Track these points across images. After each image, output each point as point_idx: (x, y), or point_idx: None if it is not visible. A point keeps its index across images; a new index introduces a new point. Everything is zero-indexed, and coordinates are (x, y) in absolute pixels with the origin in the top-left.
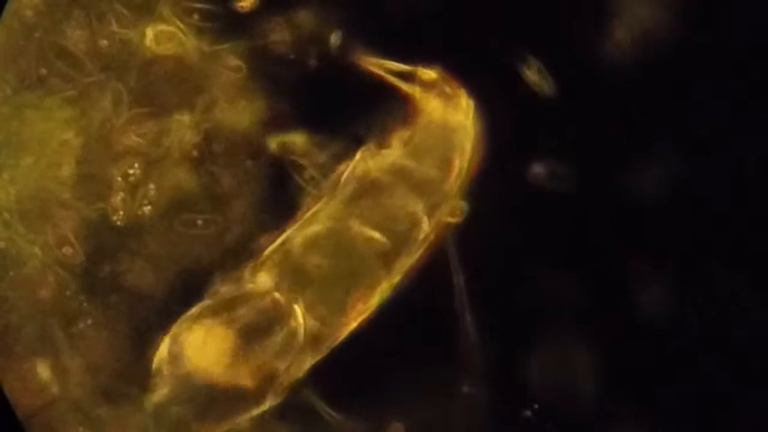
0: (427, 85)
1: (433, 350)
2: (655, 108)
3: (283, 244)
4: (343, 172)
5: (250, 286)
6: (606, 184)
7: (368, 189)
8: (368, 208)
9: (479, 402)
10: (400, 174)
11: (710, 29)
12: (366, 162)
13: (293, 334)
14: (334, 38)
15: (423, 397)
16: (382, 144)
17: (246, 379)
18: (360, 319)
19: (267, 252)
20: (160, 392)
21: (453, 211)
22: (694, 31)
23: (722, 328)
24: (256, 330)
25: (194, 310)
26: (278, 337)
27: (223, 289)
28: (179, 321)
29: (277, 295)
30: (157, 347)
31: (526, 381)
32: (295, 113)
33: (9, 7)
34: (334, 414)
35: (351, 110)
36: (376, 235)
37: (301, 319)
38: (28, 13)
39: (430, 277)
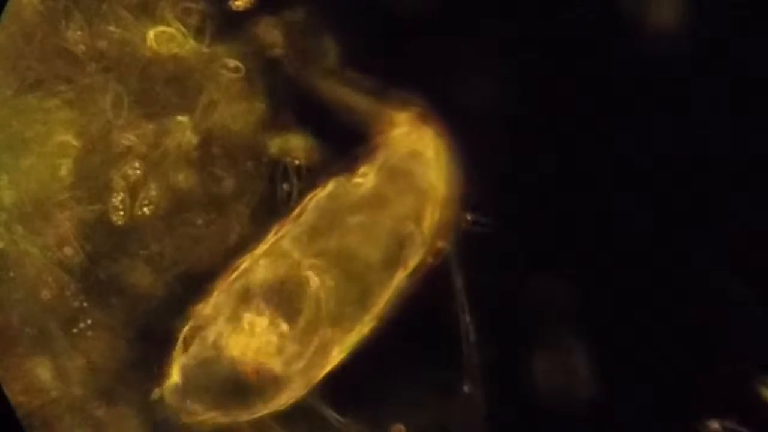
0: (398, 121)
1: (434, 351)
2: None
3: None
4: (313, 198)
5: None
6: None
7: (345, 217)
8: (348, 235)
9: (480, 402)
10: (374, 204)
11: None
12: (339, 191)
13: (316, 300)
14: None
15: (424, 398)
16: (353, 173)
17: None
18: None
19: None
20: (180, 380)
21: (433, 251)
22: None
23: (720, 323)
24: (287, 307)
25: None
26: (305, 311)
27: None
28: (205, 326)
29: (295, 257)
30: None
31: (527, 381)
32: (295, 114)
33: (8, 9)
34: (336, 416)
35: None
36: (368, 257)
37: (318, 281)
38: (28, 14)
39: (430, 278)
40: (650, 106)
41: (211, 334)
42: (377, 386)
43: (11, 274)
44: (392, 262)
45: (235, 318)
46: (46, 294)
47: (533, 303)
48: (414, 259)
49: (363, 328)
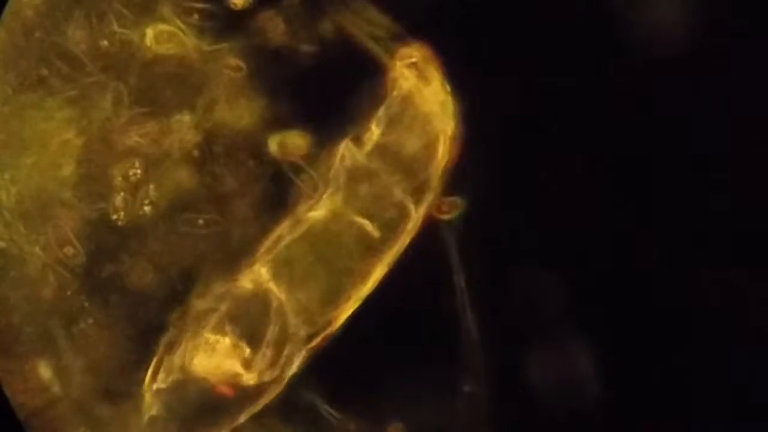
0: (407, 62)
1: (434, 350)
2: None
3: (277, 239)
4: (331, 166)
5: (232, 283)
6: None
7: (355, 177)
8: (357, 197)
9: (480, 401)
10: (382, 154)
11: None
12: (350, 150)
13: (282, 316)
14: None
15: (423, 396)
16: (363, 130)
17: (249, 379)
18: (350, 311)
19: (261, 250)
20: (157, 409)
21: (446, 206)
22: None
23: (723, 325)
24: (249, 323)
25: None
26: (272, 324)
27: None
28: (174, 346)
29: (261, 283)
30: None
31: (527, 380)
32: (295, 112)
33: (9, 8)
34: (334, 413)
35: (353, 109)
36: (366, 223)
37: (282, 297)
38: (29, 13)
39: (430, 276)
40: (649, 105)
41: (177, 358)
42: (376, 384)
43: (12, 273)
44: (390, 226)
45: (200, 337)
46: (47, 293)
47: (534, 301)
48: (422, 207)
49: (361, 293)
